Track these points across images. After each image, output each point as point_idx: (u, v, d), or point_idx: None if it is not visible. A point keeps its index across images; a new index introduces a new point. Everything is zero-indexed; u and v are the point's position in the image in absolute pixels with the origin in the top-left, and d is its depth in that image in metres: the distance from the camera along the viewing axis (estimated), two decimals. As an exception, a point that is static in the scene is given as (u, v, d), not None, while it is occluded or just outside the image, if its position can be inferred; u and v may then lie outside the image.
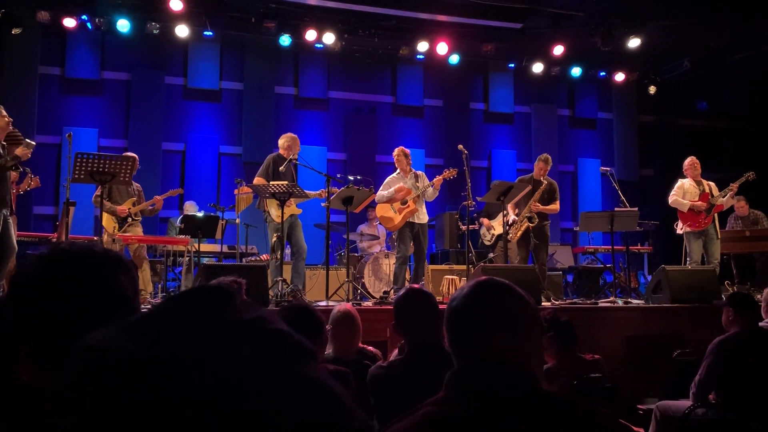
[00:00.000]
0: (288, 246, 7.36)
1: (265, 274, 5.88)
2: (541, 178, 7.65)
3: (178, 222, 7.88)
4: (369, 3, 9.74)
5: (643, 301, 6.81)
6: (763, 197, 9.18)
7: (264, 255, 8.60)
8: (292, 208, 7.13)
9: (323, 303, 5.90)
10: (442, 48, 10.70)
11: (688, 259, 7.74)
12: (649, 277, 8.42)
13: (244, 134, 10.85)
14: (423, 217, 7.32)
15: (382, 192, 7.27)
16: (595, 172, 12.11)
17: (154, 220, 9.34)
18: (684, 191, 7.82)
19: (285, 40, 10.35)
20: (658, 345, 5.60)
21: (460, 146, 7.27)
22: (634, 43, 10.21)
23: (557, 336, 3.57)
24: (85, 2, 9.61)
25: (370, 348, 3.66)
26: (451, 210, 10.14)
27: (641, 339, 5.83)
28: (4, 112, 5.86)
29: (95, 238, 7.17)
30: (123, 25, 9.71)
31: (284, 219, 6.65)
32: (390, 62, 11.56)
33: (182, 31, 9.90)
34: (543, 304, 6.20)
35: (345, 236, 7.19)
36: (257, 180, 7.02)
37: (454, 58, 11.15)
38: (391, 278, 8.16)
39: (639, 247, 10.03)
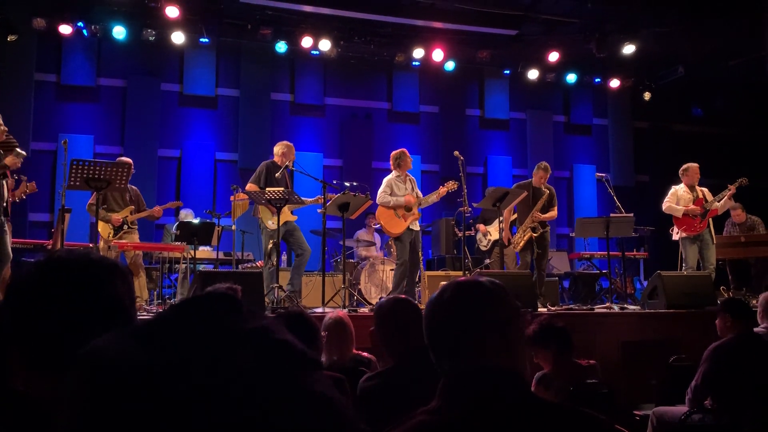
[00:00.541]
0: (284, 251, 7.36)
1: (261, 280, 5.87)
2: (542, 187, 7.65)
3: (173, 229, 7.87)
4: (365, 10, 9.77)
5: (639, 307, 6.82)
6: (759, 203, 9.21)
7: (260, 262, 8.59)
8: (287, 215, 7.13)
9: (319, 309, 5.90)
10: (437, 54, 10.73)
11: (684, 264, 7.76)
12: (645, 283, 8.44)
13: (240, 141, 10.85)
14: (417, 224, 7.33)
15: (388, 196, 7.12)
16: (591, 178, 12.15)
17: (150, 228, 9.32)
18: (678, 197, 7.84)
19: (281, 46, 10.37)
20: (654, 351, 5.60)
21: (456, 152, 7.28)
22: (628, 49, 10.27)
23: (553, 342, 3.58)
24: (80, 9, 9.61)
25: (365, 354, 3.65)
26: (447, 216, 10.15)
27: (637, 345, 5.83)
28: (1, 121, 5.84)
29: (91, 245, 7.14)
30: (119, 32, 9.71)
31: (279, 226, 6.64)
32: (386, 69, 11.59)
33: (178, 37, 9.91)
34: (539, 309, 6.20)
35: (341, 242, 7.18)
36: (249, 186, 7.01)
37: (450, 65, 11.19)
38: (388, 285, 8.15)
39: (635, 252, 10.05)
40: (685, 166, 8.00)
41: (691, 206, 7.72)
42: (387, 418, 1.46)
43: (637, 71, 11.80)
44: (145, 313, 5.86)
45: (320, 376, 0.71)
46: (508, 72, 11.88)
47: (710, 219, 7.77)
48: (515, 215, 7.92)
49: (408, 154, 7.35)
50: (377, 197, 7.17)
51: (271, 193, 6.58)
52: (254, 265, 8.48)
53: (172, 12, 8.97)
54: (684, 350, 5.33)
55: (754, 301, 5.49)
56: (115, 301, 1.02)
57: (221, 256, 8.38)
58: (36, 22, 9.42)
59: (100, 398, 0.61)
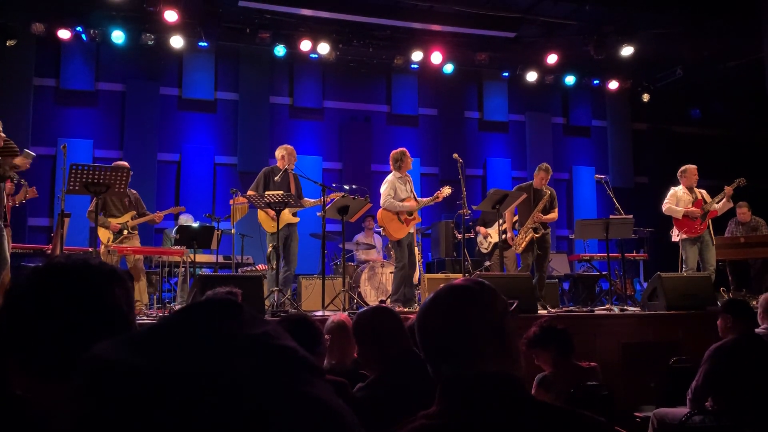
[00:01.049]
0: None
1: (261, 284, 5.87)
2: (543, 188, 7.66)
3: (173, 233, 7.87)
4: (363, 13, 9.79)
5: (639, 309, 6.82)
6: (758, 204, 9.22)
7: (260, 265, 8.58)
8: (289, 217, 7.13)
9: (319, 313, 5.89)
10: (436, 57, 10.74)
11: (684, 266, 7.76)
12: (645, 284, 8.44)
13: (239, 144, 10.86)
14: (413, 226, 7.34)
15: (395, 201, 7.06)
16: (590, 179, 12.15)
17: (150, 232, 9.33)
18: (677, 199, 7.85)
19: (280, 50, 10.38)
20: (655, 352, 5.60)
21: (455, 155, 7.28)
22: (627, 51, 10.28)
23: (554, 344, 3.58)
24: (79, 14, 9.62)
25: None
26: (446, 218, 10.15)
27: (637, 346, 5.83)
28: (0, 128, 5.84)
29: (90, 250, 7.14)
30: (117, 36, 9.72)
31: (281, 228, 6.66)
32: (384, 72, 11.60)
33: (177, 42, 9.92)
34: (539, 312, 6.19)
35: (341, 245, 7.18)
36: (249, 193, 7.02)
37: (449, 68, 11.20)
38: (388, 287, 8.15)
39: (634, 254, 10.05)
40: (683, 168, 8.00)
41: (691, 208, 7.73)
42: (378, 429, 1.46)
43: (636, 73, 11.82)
44: (145, 317, 5.86)
45: (322, 382, 0.71)
46: (506, 74, 11.90)
47: (710, 220, 7.77)
48: (516, 217, 7.92)
49: (408, 154, 7.30)
50: (382, 200, 7.11)
51: (269, 197, 6.59)
52: (254, 268, 8.48)
53: (171, 16, 8.98)
54: (684, 351, 5.33)
55: (754, 302, 5.49)
56: (113, 307, 1.02)
57: (221, 259, 8.38)
58: (35, 27, 9.43)
59: (101, 405, 0.61)
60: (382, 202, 7.11)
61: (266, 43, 10.21)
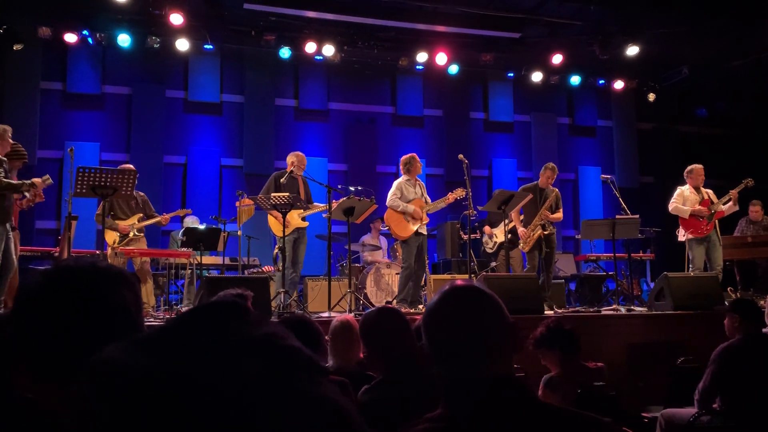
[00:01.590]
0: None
1: (268, 286, 5.89)
2: (549, 187, 7.67)
3: (180, 235, 7.90)
4: (368, 15, 9.80)
5: (645, 309, 6.80)
6: (764, 203, 9.17)
7: (266, 267, 8.61)
8: (297, 221, 7.18)
9: (325, 314, 5.90)
10: (441, 58, 10.74)
11: (690, 266, 7.73)
12: (652, 285, 8.41)
13: (245, 146, 10.89)
14: (425, 228, 7.35)
15: (398, 200, 7.16)
16: (596, 179, 12.12)
17: (157, 234, 9.35)
18: (684, 198, 7.82)
19: (285, 52, 10.41)
20: (662, 352, 5.58)
21: (461, 156, 7.28)
22: (632, 51, 10.26)
23: (560, 344, 3.57)
24: (85, 17, 9.67)
25: (373, 359, 3.64)
26: (452, 219, 10.15)
27: (644, 346, 5.81)
28: (10, 135, 5.91)
29: (98, 252, 7.18)
30: (123, 39, 9.76)
31: (290, 232, 6.70)
32: (389, 73, 11.61)
33: (182, 44, 9.96)
34: (546, 312, 6.18)
35: (347, 247, 7.19)
36: (259, 196, 7.06)
37: (453, 68, 11.20)
38: (394, 288, 8.16)
39: (641, 254, 10.02)
40: (689, 168, 7.97)
41: (698, 207, 7.70)
42: (385, 429, 1.46)
43: (641, 73, 11.79)
44: (152, 319, 5.88)
45: (327, 382, 0.72)
46: (511, 75, 11.88)
47: (716, 220, 7.74)
48: (522, 217, 7.91)
49: (418, 159, 7.41)
50: (388, 200, 7.21)
51: (275, 198, 6.61)
52: (260, 270, 8.50)
53: (177, 19, 9.02)
54: (691, 352, 5.31)
55: (762, 302, 5.47)
56: (122, 310, 1.02)
57: (227, 261, 8.40)
58: (41, 31, 9.48)
59: (110, 407, 0.62)
60: (387, 201, 7.18)
61: (271, 45, 10.23)
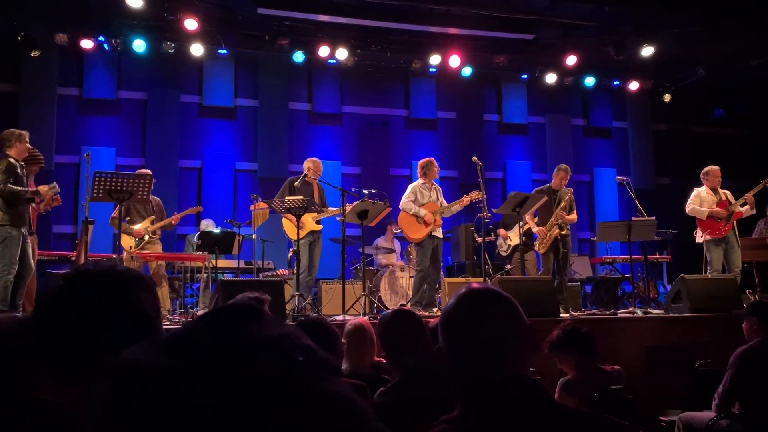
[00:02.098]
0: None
1: (282, 289, 5.91)
2: (563, 188, 7.64)
3: (195, 239, 7.95)
4: (380, 18, 9.81)
5: (662, 311, 6.75)
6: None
7: (280, 270, 8.64)
8: (312, 224, 7.22)
9: (340, 317, 5.91)
10: (454, 61, 10.73)
11: (708, 267, 7.66)
12: (669, 287, 8.34)
13: (259, 150, 10.94)
14: (440, 231, 7.34)
15: (411, 203, 7.17)
16: (611, 181, 12.03)
17: (172, 238, 9.42)
18: (701, 200, 7.75)
19: (298, 56, 10.45)
20: (679, 355, 5.53)
21: (475, 158, 7.28)
22: (647, 51, 10.18)
23: (577, 347, 3.55)
24: (101, 24, 9.77)
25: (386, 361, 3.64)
26: (466, 222, 10.13)
27: (662, 349, 5.76)
28: (28, 140, 5.99)
29: (114, 256, 7.24)
30: (139, 45, 9.86)
31: (304, 235, 6.73)
32: (402, 76, 11.62)
33: (197, 49, 10.03)
34: (562, 315, 6.15)
35: (360, 250, 7.20)
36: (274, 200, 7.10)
37: (467, 71, 11.18)
38: (408, 291, 8.15)
39: (657, 256, 9.94)
40: (706, 169, 7.90)
41: (716, 208, 7.63)
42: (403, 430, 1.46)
43: (656, 73, 11.70)
44: (167, 323, 5.92)
45: (342, 382, 0.72)
46: (525, 76, 11.84)
47: (735, 221, 7.66)
48: (536, 219, 7.88)
49: (435, 164, 7.41)
50: (401, 202, 7.23)
51: (289, 202, 6.64)
52: (275, 273, 8.53)
53: (191, 24, 9.09)
54: (709, 355, 5.25)
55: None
56: (140, 313, 1.03)
57: (242, 264, 8.44)
58: (58, 38, 9.61)
59: (131, 408, 0.63)
60: (401, 204, 7.20)
61: (285, 49, 10.28)
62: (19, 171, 5.82)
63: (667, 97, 11.98)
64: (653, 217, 7.46)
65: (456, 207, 7.35)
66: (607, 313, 6.76)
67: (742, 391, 3.75)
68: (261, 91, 11.06)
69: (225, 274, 8.53)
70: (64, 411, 1.11)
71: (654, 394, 5.15)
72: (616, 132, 12.76)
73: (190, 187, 10.69)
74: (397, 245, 9.73)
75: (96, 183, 5.78)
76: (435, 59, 10.71)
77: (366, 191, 7.54)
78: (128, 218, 7.13)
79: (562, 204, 7.48)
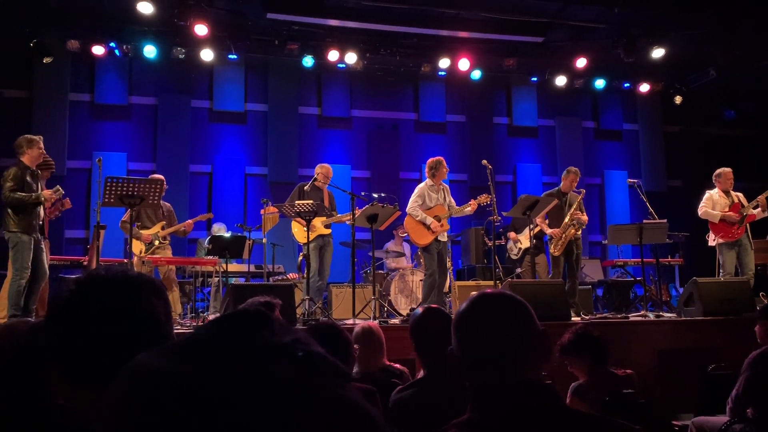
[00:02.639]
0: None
1: (293, 293, 5.92)
2: (572, 191, 7.61)
3: (206, 243, 7.98)
4: (390, 22, 9.83)
5: (675, 315, 6.69)
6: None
7: (291, 274, 8.66)
8: (320, 228, 7.23)
9: (350, 321, 5.91)
10: (463, 64, 10.72)
11: (721, 270, 7.60)
12: (681, 290, 8.28)
13: (269, 155, 10.98)
14: (445, 234, 7.30)
15: (418, 209, 7.11)
16: (622, 184, 11.99)
17: (183, 242, 9.47)
18: (714, 202, 7.69)
19: (308, 61, 10.48)
20: (692, 359, 5.48)
21: (484, 161, 7.25)
22: (658, 53, 10.12)
23: (588, 351, 3.53)
24: (112, 30, 9.85)
25: (397, 366, 3.63)
26: (476, 225, 10.10)
27: (674, 353, 5.72)
28: (42, 145, 6.05)
29: (125, 261, 7.28)
30: (149, 51, 9.93)
31: (312, 239, 6.74)
32: (412, 79, 11.63)
33: (207, 55, 10.09)
34: (573, 319, 6.12)
35: (370, 254, 7.20)
36: (284, 205, 7.13)
37: (476, 74, 11.17)
38: (418, 295, 8.14)
39: (669, 259, 9.87)
40: (718, 172, 7.85)
41: (729, 212, 7.57)
42: (420, 429, 1.46)
43: (667, 75, 11.64)
44: (178, 327, 5.94)
45: (352, 387, 0.72)
46: (535, 79, 11.81)
47: (747, 224, 7.60)
48: (546, 222, 7.85)
49: (445, 164, 7.28)
50: (408, 206, 7.18)
51: (299, 206, 6.65)
52: (285, 277, 8.55)
53: (201, 30, 9.14)
54: (723, 358, 5.20)
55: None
56: (152, 317, 1.04)
57: (252, 269, 8.47)
58: (70, 44, 9.69)
59: (143, 413, 0.63)
60: (407, 208, 7.15)
61: (294, 54, 10.32)
62: (28, 178, 5.87)
63: (678, 99, 11.91)
64: (665, 220, 7.41)
65: (466, 210, 7.30)
66: (619, 316, 6.72)
67: (756, 395, 3.71)
68: (271, 95, 11.10)
69: (236, 279, 8.55)
70: (78, 415, 1.12)
71: (667, 398, 5.12)
72: (627, 134, 12.71)
73: (201, 192, 10.74)
74: (406, 249, 9.72)
75: (107, 188, 5.82)
76: (444, 62, 10.71)
77: (375, 195, 7.55)
78: (138, 223, 7.16)
79: (575, 206, 7.45)
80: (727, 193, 7.75)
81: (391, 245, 9.64)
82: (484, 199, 7.19)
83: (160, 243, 7.30)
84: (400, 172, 11.40)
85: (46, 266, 6.11)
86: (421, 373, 3.09)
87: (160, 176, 7.08)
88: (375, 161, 11.39)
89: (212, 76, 10.91)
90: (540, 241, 8.34)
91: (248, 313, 0.74)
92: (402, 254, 9.53)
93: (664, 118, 12.62)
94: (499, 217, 7.50)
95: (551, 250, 7.45)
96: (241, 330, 0.72)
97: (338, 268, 8.96)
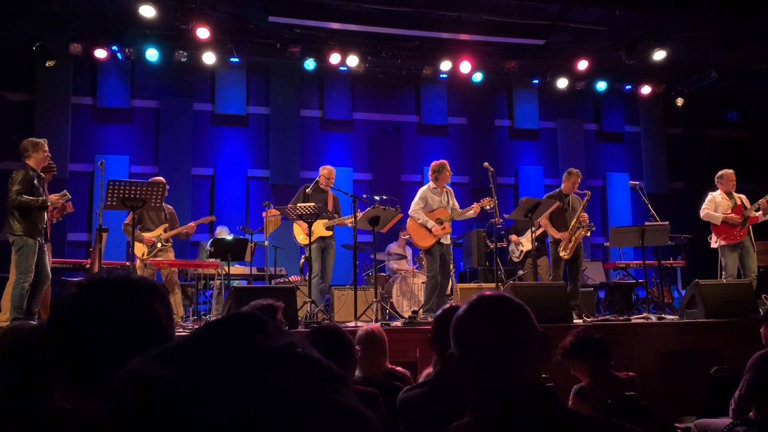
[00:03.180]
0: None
1: (294, 295, 5.92)
2: (573, 194, 7.61)
3: (208, 246, 7.99)
4: (391, 25, 9.84)
5: (677, 317, 6.68)
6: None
7: (293, 276, 8.66)
8: (321, 230, 7.23)
9: (352, 323, 5.91)
10: (465, 66, 10.73)
11: (723, 272, 7.58)
12: (683, 292, 8.27)
13: (271, 157, 10.99)
14: (448, 237, 7.29)
15: (420, 211, 7.11)
16: (624, 186, 11.99)
17: (185, 245, 9.47)
18: (716, 204, 7.68)
19: (309, 63, 10.49)
20: (694, 361, 5.48)
21: (486, 163, 7.24)
22: (659, 55, 10.12)
23: (590, 354, 3.52)
24: (115, 33, 9.88)
25: (399, 368, 3.64)
26: (478, 228, 10.10)
27: (676, 355, 5.71)
28: (47, 148, 6.07)
29: (128, 264, 7.29)
30: (152, 54, 9.94)
31: (314, 241, 6.75)
32: (413, 82, 11.64)
33: (209, 58, 10.11)
34: (575, 321, 6.11)
35: (372, 256, 7.20)
36: (288, 206, 7.13)
37: (478, 76, 11.18)
38: (420, 297, 8.13)
39: (671, 261, 9.86)
40: (720, 173, 7.84)
41: (731, 214, 7.56)
42: (428, 428, 1.45)
43: (669, 77, 11.64)
44: (180, 330, 5.95)
45: (347, 390, 0.72)
46: (536, 81, 11.81)
47: (750, 226, 7.59)
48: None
49: (448, 167, 7.28)
50: (410, 209, 7.19)
51: (301, 209, 6.66)
52: (287, 280, 8.55)
53: (203, 33, 9.16)
54: (725, 360, 5.19)
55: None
56: (154, 321, 1.04)
57: (254, 271, 8.47)
58: (72, 48, 9.71)
59: (133, 419, 0.63)
60: (410, 211, 7.17)
61: (296, 57, 10.33)
62: (35, 182, 5.89)
63: (679, 101, 11.90)
64: (666, 222, 7.40)
65: (468, 213, 7.29)
66: (621, 318, 6.70)
67: (759, 396, 3.70)
68: (273, 98, 11.11)
69: (238, 281, 8.55)
70: (80, 418, 1.12)
71: (669, 400, 5.12)
72: (629, 136, 12.70)
73: (203, 195, 10.76)
74: (408, 251, 9.72)
75: (110, 191, 5.82)
76: (446, 65, 10.72)
77: (377, 197, 7.54)
78: (140, 225, 7.17)
79: (581, 209, 7.46)
80: (729, 194, 7.74)
81: (393, 247, 9.64)
82: (487, 202, 7.18)
83: (162, 245, 7.31)
84: (401, 175, 11.40)
85: (49, 269, 6.12)
86: (422, 376, 3.09)
87: (161, 179, 7.09)
88: (377, 164, 11.40)
89: (214, 79, 10.93)
90: (542, 244, 8.33)
91: (243, 317, 0.74)
92: (404, 256, 9.53)
93: (665, 120, 12.61)
94: (501, 220, 7.49)
95: (561, 254, 7.41)
96: (235, 334, 0.71)
97: (340, 270, 8.97)
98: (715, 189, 7.86)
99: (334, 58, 10.29)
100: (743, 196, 7.77)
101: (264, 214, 7.75)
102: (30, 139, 6.08)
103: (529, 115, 12.20)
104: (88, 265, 7.57)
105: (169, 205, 7.46)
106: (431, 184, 7.25)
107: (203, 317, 7.29)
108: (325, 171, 7.69)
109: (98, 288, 1.04)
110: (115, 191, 5.84)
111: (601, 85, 11.74)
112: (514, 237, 9.32)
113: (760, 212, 7.56)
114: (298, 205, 6.84)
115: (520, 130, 12.21)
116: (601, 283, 9.86)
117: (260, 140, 11.10)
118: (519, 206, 7.06)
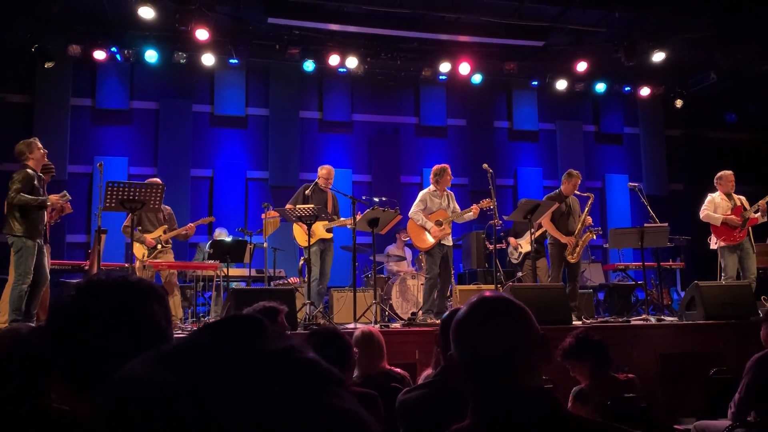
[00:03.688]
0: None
1: (294, 297, 5.92)
2: (572, 196, 7.62)
3: (207, 247, 7.98)
4: (390, 27, 9.85)
5: (676, 318, 6.69)
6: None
7: (292, 278, 8.65)
8: (322, 232, 7.23)
9: (351, 325, 5.90)
10: (464, 68, 10.73)
11: (723, 274, 7.58)
12: (682, 294, 8.27)
13: (270, 159, 10.98)
14: (450, 239, 7.30)
15: (420, 213, 7.13)
16: (623, 187, 11.99)
17: (184, 246, 9.47)
18: (715, 205, 7.69)
19: (309, 65, 10.50)
20: (694, 363, 5.47)
21: (485, 165, 7.25)
22: (658, 57, 10.13)
23: (590, 356, 3.52)
24: (114, 35, 9.88)
25: (398, 370, 3.63)
26: (477, 229, 10.10)
27: (676, 357, 5.71)
28: (40, 144, 6.06)
29: (127, 265, 7.29)
30: (151, 55, 9.94)
31: (313, 243, 6.74)
32: (413, 84, 11.64)
33: (208, 59, 10.11)
34: (574, 323, 6.11)
35: (371, 257, 7.19)
36: (287, 206, 7.13)
37: (477, 78, 11.18)
38: (419, 299, 8.13)
39: (671, 263, 9.85)
40: (719, 174, 7.84)
41: (731, 216, 7.56)
42: (427, 431, 1.45)
43: (668, 79, 11.65)
44: (179, 331, 5.94)
45: (347, 394, 0.72)
46: (535, 83, 11.82)
47: (750, 228, 7.59)
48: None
49: (449, 171, 7.32)
50: (410, 211, 7.22)
51: (300, 210, 6.65)
52: (286, 281, 8.55)
53: (202, 35, 9.16)
54: (725, 362, 5.19)
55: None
56: (152, 323, 1.04)
57: (253, 273, 8.46)
58: (71, 49, 9.71)
59: (132, 421, 0.63)
60: (410, 212, 7.19)
61: (295, 58, 10.33)
62: (36, 183, 5.89)
63: (679, 103, 11.91)
64: (666, 224, 7.40)
65: (468, 215, 7.30)
66: (621, 320, 6.70)
67: (759, 398, 3.70)
68: (272, 100, 11.11)
69: (237, 283, 8.55)
70: (77, 420, 1.12)
71: (668, 402, 5.11)
72: (628, 138, 12.71)
73: (202, 196, 10.75)
74: (407, 253, 9.71)
75: (108, 192, 5.82)
76: (445, 67, 10.72)
77: (377, 199, 7.53)
78: (140, 227, 7.17)
79: (586, 211, 7.48)
80: (729, 196, 7.74)
81: (392, 249, 9.64)
82: (486, 203, 7.19)
83: (162, 247, 7.30)
84: (401, 176, 11.40)
85: (48, 271, 6.11)
86: (421, 378, 3.09)
87: (158, 180, 7.08)
88: (376, 165, 11.40)
89: (213, 80, 10.93)
90: (541, 245, 8.33)
91: (240, 320, 0.74)
92: (403, 258, 9.53)
93: (665, 122, 12.62)
94: (500, 221, 7.50)
95: (568, 258, 7.40)
96: (234, 337, 0.71)
97: (339, 272, 8.96)
98: (714, 190, 7.86)
99: (334, 60, 10.29)
100: (743, 198, 7.77)
101: (263, 215, 7.74)
102: (22, 141, 6.06)
103: (529, 117, 12.21)
104: (86, 267, 7.56)
105: (167, 206, 7.46)
106: (432, 187, 7.29)
107: (202, 319, 7.28)
108: (324, 171, 7.69)
109: (97, 290, 1.04)
110: (114, 193, 5.84)
111: (601, 87, 11.75)
112: (512, 240, 9.32)
113: (759, 213, 7.56)
114: (297, 206, 6.84)
115: (519, 132, 12.22)
116: (601, 284, 9.86)
117: (259, 142, 11.10)
118: (518, 208, 7.06)
